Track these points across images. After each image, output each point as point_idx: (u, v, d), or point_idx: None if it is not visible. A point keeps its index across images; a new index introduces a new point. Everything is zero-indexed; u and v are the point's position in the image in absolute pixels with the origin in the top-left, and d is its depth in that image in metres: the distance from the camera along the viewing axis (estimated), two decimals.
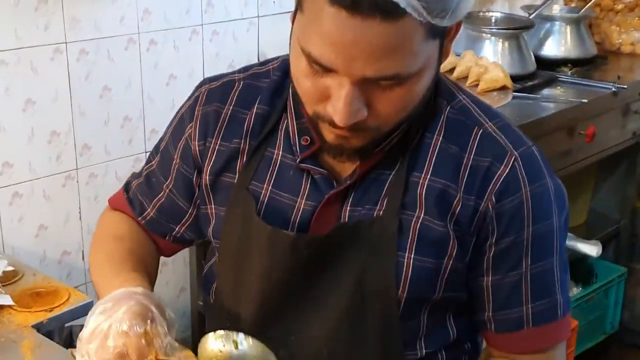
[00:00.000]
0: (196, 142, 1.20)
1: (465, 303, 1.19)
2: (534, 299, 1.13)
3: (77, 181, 2.18)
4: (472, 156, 1.10)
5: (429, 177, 1.10)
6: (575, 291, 2.88)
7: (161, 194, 1.27)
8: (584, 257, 2.88)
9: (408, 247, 1.09)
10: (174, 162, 1.24)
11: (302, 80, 1.02)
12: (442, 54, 1.04)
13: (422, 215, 1.10)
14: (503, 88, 2.54)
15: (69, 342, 2.07)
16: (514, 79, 2.62)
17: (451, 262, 1.11)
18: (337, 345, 1.13)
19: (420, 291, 1.12)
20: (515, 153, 1.11)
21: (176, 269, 2.58)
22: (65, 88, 2.09)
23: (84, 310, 1.72)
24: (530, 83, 2.68)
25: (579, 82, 2.78)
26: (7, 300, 1.63)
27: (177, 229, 1.29)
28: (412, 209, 1.10)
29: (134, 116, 2.26)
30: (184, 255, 2.60)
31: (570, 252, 2.66)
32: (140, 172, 1.32)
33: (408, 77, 0.98)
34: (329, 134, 1.05)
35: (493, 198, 1.09)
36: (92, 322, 1.04)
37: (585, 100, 2.56)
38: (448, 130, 1.12)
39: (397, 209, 1.10)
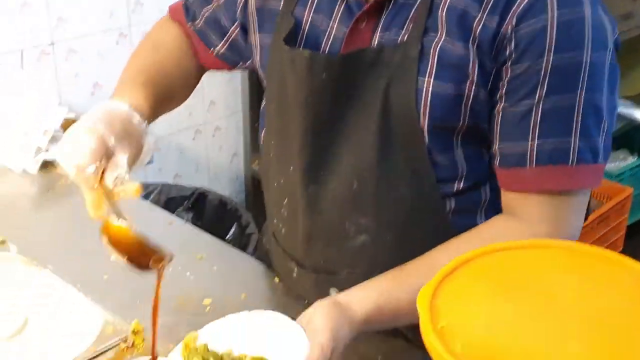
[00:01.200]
0: None
1: None
2: (542, 136, 1.05)
3: (130, 39, 2.18)
4: None
5: None
6: (630, 160, 2.84)
7: (210, 6, 1.31)
8: None
9: (428, 71, 1.06)
10: None
11: None
12: None
13: (443, 36, 1.06)
14: None
15: None
16: None
17: (473, 87, 1.06)
18: (367, 176, 1.12)
19: (443, 118, 1.08)
20: None
21: (229, 135, 2.60)
22: None
23: None
24: None
25: None
26: None
27: (219, 45, 1.32)
28: (434, 31, 1.06)
29: None
30: (236, 121, 2.61)
31: (627, 120, 2.60)
32: None
33: None
34: None
35: (514, 19, 1.03)
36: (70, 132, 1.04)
37: None
38: None
39: (420, 32, 1.06)
